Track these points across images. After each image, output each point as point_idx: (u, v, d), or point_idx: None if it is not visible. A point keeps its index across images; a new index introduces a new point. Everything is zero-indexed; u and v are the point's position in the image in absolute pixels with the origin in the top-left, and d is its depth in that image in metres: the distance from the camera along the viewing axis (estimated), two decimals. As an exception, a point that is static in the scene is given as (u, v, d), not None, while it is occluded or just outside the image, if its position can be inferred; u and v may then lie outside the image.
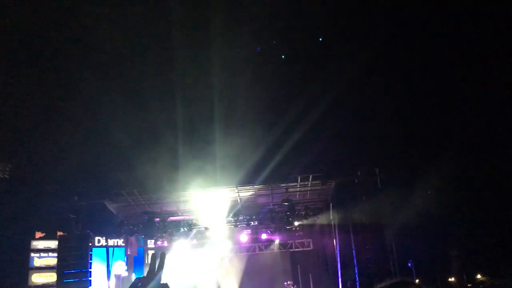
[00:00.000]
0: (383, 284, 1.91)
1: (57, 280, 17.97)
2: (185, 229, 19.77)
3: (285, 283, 20.59)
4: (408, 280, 1.92)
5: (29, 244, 26.59)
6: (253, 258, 22.65)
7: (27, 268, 26.11)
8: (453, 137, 22.46)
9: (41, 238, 27.02)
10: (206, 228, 19.52)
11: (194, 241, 22.27)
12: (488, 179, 21.05)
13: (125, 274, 21.60)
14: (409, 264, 17.53)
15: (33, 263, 26.09)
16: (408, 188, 19.21)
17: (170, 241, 22.52)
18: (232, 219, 19.19)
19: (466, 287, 25.18)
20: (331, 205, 20.39)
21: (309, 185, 19.70)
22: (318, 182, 19.38)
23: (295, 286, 20.40)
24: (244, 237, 22.16)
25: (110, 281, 19.91)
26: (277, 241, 22.68)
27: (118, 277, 21.28)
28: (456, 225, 21.86)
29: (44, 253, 26.12)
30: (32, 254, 26.15)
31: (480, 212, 21.63)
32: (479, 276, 25.66)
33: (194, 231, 20.27)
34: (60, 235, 20.75)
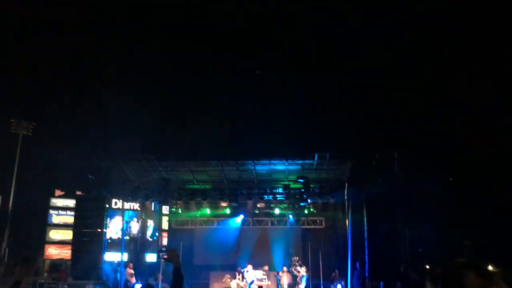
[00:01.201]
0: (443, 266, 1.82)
1: (73, 238, 18.50)
2: (199, 198, 20.01)
3: (293, 258, 20.79)
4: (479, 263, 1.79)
5: (49, 201, 27.35)
6: (265, 232, 22.87)
7: (45, 224, 26.95)
8: (474, 123, 22.01)
9: (60, 197, 27.75)
10: (220, 199, 19.72)
11: (208, 210, 22.56)
12: (507, 167, 20.62)
13: (138, 237, 22.12)
14: (420, 250, 17.48)
15: (51, 219, 26.88)
16: (425, 173, 18.98)
17: (184, 209, 22.89)
18: (247, 192, 19.31)
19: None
20: (346, 185, 20.32)
21: (326, 164, 19.64)
22: (334, 161, 19.30)
23: (300, 262, 20.57)
24: (257, 210, 22.36)
25: (125, 242, 20.41)
26: (289, 217, 22.81)
27: (131, 239, 21.80)
28: (471, 214, 21.58)
29: (62, 211, 26.85)
30: (51, 211, 26.92)
31: (497, 201, 21.30)
32: (490, 267, 25.41)
33: (207, 200, 20.50)
34: (78, 195, 21.24)
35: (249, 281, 19.48)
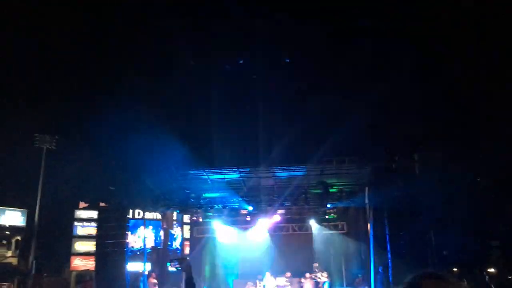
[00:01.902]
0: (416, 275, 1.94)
1: (96, 249, 18.76)
2: (219, 206, 20.05)
3: (313, 265, 20.61)
4: (440, 273, 1.94)
5: (73, 213, 27.89)
6: (285, 238, 22.72)
7: (70, 236, 27.47)
8: (495, 123, 21.52)
9: (84, 208, 28.29)
10: (240, 206, 19.71)
11: (229, 218, 22.57)
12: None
13: (161, 247, 22.27)
14: (444, 252, 17.09)
15: (76, 231, 27.39)
16: (448, 175, 18.60)
17: (204, 217, 22.95)
18: (267, 198, 19.25)
19: (507, 279, 24.35)
20: (366, 189, 20.07)
21: (345, 168, 19.42)
22: (354, 165, 19.07)
23: (320, 268, 20.38)
24: (277, 217, 22.25)
25: (147, 252, 20.58)
26: (310, 223, 22.63)
27: (154, 249, 21.98)
28: (499, 214, 21.04)
29: (87, 222, 27.37)
30: (76, 223, 27.45)
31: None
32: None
33: (227, 208, 20.52)
34: (100, 206, 21.59)
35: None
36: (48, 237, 27.80)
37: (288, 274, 20.57)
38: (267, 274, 19.87)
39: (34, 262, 25.85)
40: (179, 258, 4.57)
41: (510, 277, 24.57)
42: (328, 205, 19.97)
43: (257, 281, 19.77)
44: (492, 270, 25.04)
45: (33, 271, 25.58)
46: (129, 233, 19.00)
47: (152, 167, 19.33)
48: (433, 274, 1.91)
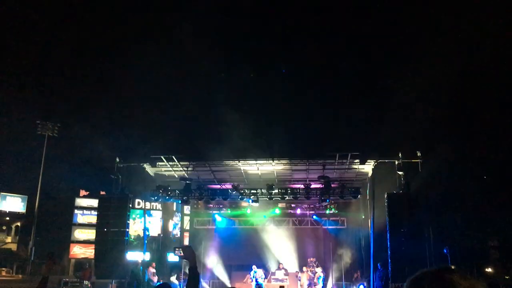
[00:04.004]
0: (424, 271, 1.78)
1: (96, 237, 18.74)
2: (220, 198, 20.04)
3: (309, 260, 20.66)
4: (452, 267, 1.76)
5: (74, 201, 27.88)
6: (286, 232, 22.74)
7: (71, 224, 27.49)
8: (499, 123, 21.49)
9: (85, 196, 28.28)
10: (241, 199, 19.69)
11: (229, 210, 22.61)
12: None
13: (161, 236, 22.30)
14: (445, 251, 17.04)
15: (76, 219, 27.39)
16: (450, 172, 18.58)
17: (205, 208, 22.99)
18: (267, 192, 19.24)
19: (504, 279, 24.40)
20: (368, 185, 20.06)
21: (347, 164, 19.40)
22: (356, 161, 19.04)
23: (317, 263, 20.42)
24: (278, 210, 22.26)
25: (147, 242, 20.61)
26: (311, 217, 22.64)
27: (153, 238, 22.00)
28: (499, 214, 21.05)
29: (87, 210, 27.36)
30: (76, 211, 27.44)
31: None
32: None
33: (228, 200, 20.52)
34: (101, 195, 21.57)
35: (256, 281, 19.42)
36: (47, 224, 27.85)
37: (285, 267, 20.67)
38: (254, 267, 19.95)
39: (33, 249, 25.91)
40: (183, 246, 4.47)
41: (507, 277, 24.64)
42: (328, 201, 19.95)
43: (255, 273, 19.80)
44: (489, 270, 25.11)
45: (32, 258, 25.65)
46: (129, 222, 18.97)
47: (152, 155, 19.31)
48: (457, 270, 1.76)
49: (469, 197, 20.83)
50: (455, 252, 19.73)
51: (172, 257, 21.72)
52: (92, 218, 25.21)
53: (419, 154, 17.77)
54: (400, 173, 17.78)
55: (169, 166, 19.70)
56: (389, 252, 16.59)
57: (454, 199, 20.19)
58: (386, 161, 18.61)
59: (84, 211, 27.50)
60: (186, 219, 23.67)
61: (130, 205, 19.54)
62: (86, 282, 20.20)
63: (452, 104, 23.10)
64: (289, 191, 19.63)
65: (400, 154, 17.91)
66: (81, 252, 26.83)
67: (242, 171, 20.20)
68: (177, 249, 4.35)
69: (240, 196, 19.34)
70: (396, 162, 17.94)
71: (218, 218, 23.06)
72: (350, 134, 21.29)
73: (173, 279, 19.77)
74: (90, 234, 24.51)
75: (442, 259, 18.20)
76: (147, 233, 20.96)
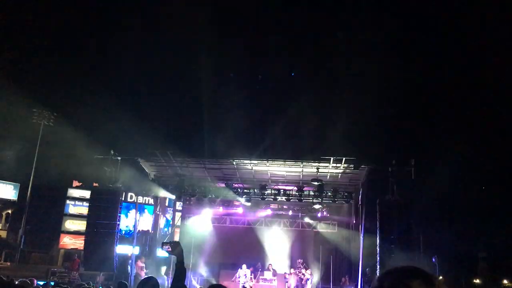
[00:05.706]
0: (392, 269, 1.75)
1: (86, 228, 18.72)
2: (213, 195, 20.05)
3: (297, 261, 20.70)
4: (419, 271, 1.72)
5: (66, 191, 27.83)
6: (277, 233, 22.76)
7: (62, 214, 27.43)
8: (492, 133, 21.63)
9: (77, 187, 28.24)
10: (233, 197, 19.71)
11: (221, 208, 22.60)
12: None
13: (151, 231, 22.30)
14: (433, 260, 17.13)
15: (68, 210, 27.35)
16: (441, 181, 18.65)
17: (197, 205, 22.97)
18: (260, 192, 19.26)
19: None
20: (361, 190, 20.11)
21: (341, 168, 19.44)
22: (350, 165, 19.08)
23: (304, 264, 20.46)
24: (269, 211, 22.28)
25: (137, 236, 20.62)
26: (302, 219, 22.67)
27: (144, 233, 22.00)
28: (488, 226, 21.17)
29: (79, 201, 27.32)
30: (68, 202, 27.40)
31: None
32: (505, 281, 24.90)
33: (221, 199, 20.54)
34: (94, 187, 21.55)
35: (241, 282, 19.44)
36: (39, 213, 27.75)
37: (273, 268, 20.71)
38: (257, 266, 19.94)
39: (23, 237, 25.85)
40: (171, 242, 4.51)
41: (495, 288, 24.77)
42: (320, 205, 20.00)
43: (244, 272, 19.81)
44: (477, 281, 25.24)
45: (22, 246, 25.59)
46: (120, 215, 18.95)
47: (147, 150, 19.31)
48: (422, 274, 1.72)
49: (460, 207, 20.94)
50: (443, 261, 19.85)
51: (162, 253, 21.74)
52: (83, 209, 25.16)
53: (412, 162, 17.83)
54: (393, 180, 17.83)
55: (163, 161, 19.69)
56: (378, 258, 16.64)
57: (445, 208, 20.28)
58: (380, 167, 18.67)
59: (76, 202, 27.47)
60: (178, 215, 23.68)
61: (122, 199, 19.55)
62: (74, 273, 20.19)
63: (446, 115, 23.24)
64: (282, 192, 19.66)
65: (393, 162, 17.96)
66: (71, 242, 26.78)
67: (236, 169, 20.22)
68: (165, 244, 4.38)
69: (232, 195, 19.37)
70: (390, 169, 17.99)
71: (209, 215, 23.05)
72: (345, 139, 21.33)
73: (162, 274, 19.79)
74: (81, 225, 24.48)
75: (430, 268, 18.29)
76: (137, 227, 20.96)
